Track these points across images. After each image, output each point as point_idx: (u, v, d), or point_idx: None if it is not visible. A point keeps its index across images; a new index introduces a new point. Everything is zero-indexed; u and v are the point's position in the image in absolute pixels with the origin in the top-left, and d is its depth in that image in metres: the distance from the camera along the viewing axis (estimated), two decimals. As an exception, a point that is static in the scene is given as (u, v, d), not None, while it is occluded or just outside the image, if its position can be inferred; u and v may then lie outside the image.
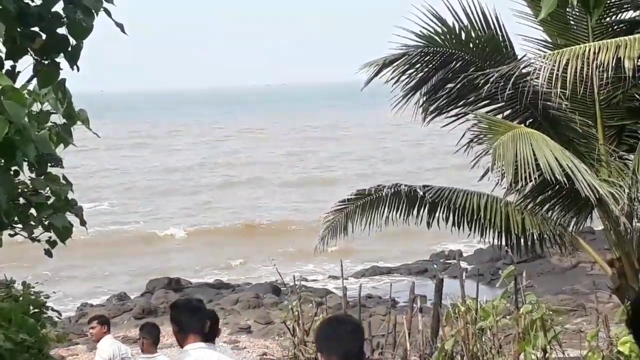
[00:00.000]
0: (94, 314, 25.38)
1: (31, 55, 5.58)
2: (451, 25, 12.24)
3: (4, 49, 5.48)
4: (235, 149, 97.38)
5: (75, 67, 5.52)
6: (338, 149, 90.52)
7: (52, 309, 10.95)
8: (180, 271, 37.25)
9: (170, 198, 64.13)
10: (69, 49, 5.40)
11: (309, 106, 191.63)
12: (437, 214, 12.74)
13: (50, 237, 8.91)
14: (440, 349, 7.72)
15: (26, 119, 4.34)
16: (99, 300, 34.62)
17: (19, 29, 5.44)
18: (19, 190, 9.07)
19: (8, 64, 5.59)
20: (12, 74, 5.64)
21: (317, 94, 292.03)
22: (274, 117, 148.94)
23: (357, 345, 5.10)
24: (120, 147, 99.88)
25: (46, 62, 5.48)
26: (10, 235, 9.35)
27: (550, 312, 7.55)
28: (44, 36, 5.47)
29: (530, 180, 11.48)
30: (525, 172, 10.38)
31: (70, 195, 8.81)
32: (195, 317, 7.78)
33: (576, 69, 10.28)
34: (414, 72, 12.67)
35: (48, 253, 8.88)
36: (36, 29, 5.48)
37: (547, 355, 6.88)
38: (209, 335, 8.00)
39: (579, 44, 10.94)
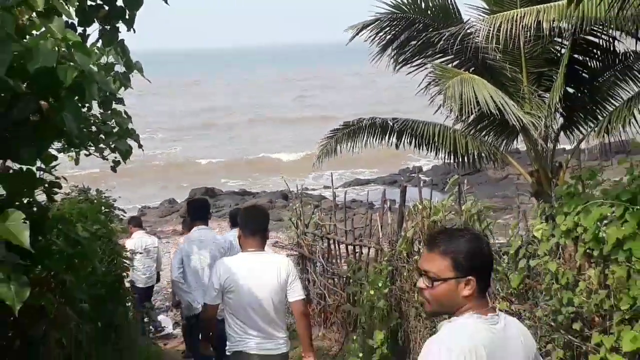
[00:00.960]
0: (149, 214, 26.63)
1: (97, 22, 5.90)
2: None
3: (76, 19, 6.26)
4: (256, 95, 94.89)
5: (132, 29, 5.90)
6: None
7: (119, 209, 11.47)
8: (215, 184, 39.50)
9: (208, 132, 64.88)
10: (126, 16, 6.20)
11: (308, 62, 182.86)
12: (403, 139, 13.21)
13: (115, 157, 9.77)
14: (404, 237, 8.24)
15: (91, 66, 4.58)
16: (154, 204, 37.39)
17: (88, 2, 6.17)
18: (92, 121, 9.80)
19: (80, 30, 5.84)
20: (83, 37, 6.35)
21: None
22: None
23: (262, 226, 6.04)
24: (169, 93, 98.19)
25: (108, 27, 6.23)
26: (86, 155, 10.13)
27: (484, 208, 7.76)
28: (106, 8, 6.29)
29: (472, 113, 11.86)
30: (468, 107, 10.96)
31: (130, 126, 9.59)
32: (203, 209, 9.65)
33: (506, 29, 10.84)
34: (385, 33, 13.16)
35: (113, 169, 9.69)
36: (100, 1, 6.26)
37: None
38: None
39: (510, 10, 11.44)
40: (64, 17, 4.89)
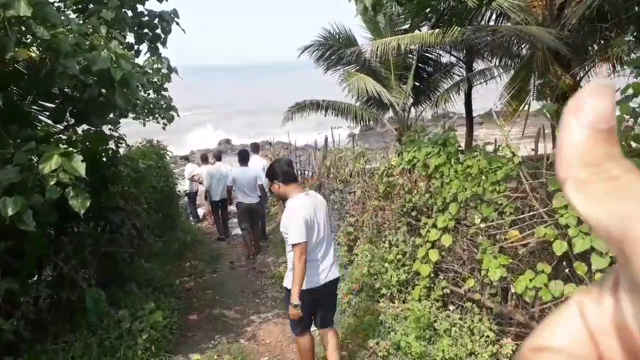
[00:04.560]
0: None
1: (146, 42, 5.85)
2: (331, 31, 12.46)
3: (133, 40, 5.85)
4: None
5: (165, 47, 5.81)
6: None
7: (170, 151, 10.62)
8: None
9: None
10: (161, 39, 5.75)
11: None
12: (329, 111, 12.90)
13: (164, 122, 9.34)
14: (324, 165, 8.05)
15: (130, 67, 4.00)
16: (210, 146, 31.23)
17: (137, 31, 5.75)
18: (150, 101, 9.37)
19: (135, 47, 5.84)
20: (137, 51, 5.95)
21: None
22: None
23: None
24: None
25: (152, 45, 5.80)
26: (148, 121, 9.77)
27: (365, 150, 7.47)
28: (150, 34, 5.83)
29: (364, 97, 12.06)
30: (361, 93, 11.01)
31: (171, 103, 9.22)
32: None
33: (382, 49, 10.67)
34: (317, 51, 12.82)
35: (163, 128, 9.33)
36: (147, 30, 5.82)
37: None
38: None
39: (383, 38, 11.22)
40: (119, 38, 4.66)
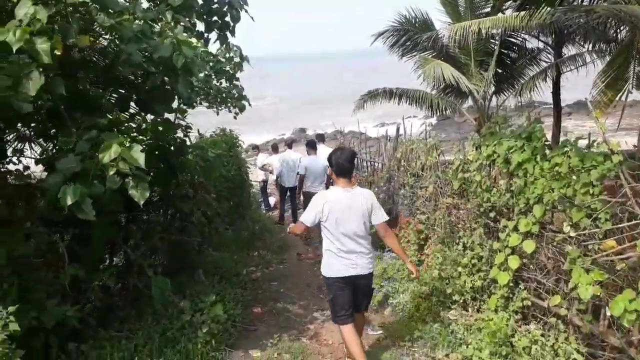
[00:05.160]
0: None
1: (215, 31, 5.40)
2: (407, 16, 11.88)
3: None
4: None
5: (233, 35, 5.53)
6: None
7: (241, 140, 10.63)
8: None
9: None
10: (230, 27, 5.60)
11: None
12: (403, 99, 12.31)
13: (236, 111, 9.34)
14: (395, 157, 7.65)
15: (193, 53, 3.81)
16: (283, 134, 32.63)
17: (208, 19, 5.62)
18: (223, 90, 9.39)
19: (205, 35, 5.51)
20: (206, 40, 5.81)
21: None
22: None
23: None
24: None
25: (221, 33, 5.66)
26: (217, 112, 9.81)
27: (439, 141, 6.72)
28: (219, 21, 5.69)
29: (441, 84, 11.48)
30: (438, 81, 10.45)
31: (243, 93, 9.17)
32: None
33: (461, 34, 10.09)
34: (392, 37, 12.30)
35: (235, 117, 9.34)
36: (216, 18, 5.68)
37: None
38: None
39: (463, 22, 10.56)
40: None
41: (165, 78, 4.14)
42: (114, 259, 5.39)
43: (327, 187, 8.56)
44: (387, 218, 4.19)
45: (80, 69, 3.89)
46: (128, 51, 3.61)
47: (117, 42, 3.69)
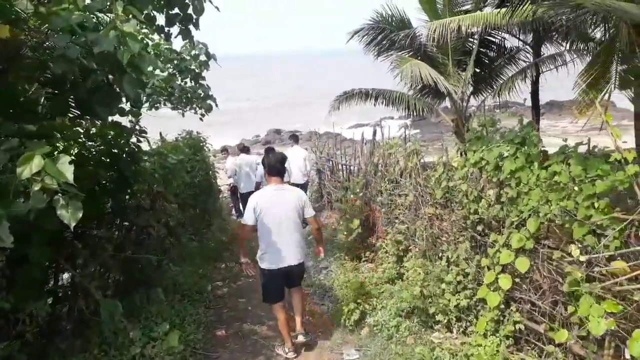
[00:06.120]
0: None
1: (177, 25, 4.96)
2: (384, 14, 11.42)
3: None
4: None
5: (197, 29, 5.04)
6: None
7: (209, 143, 10.30)
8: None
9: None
10: (194, 20, 5.09)
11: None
12: (379, 100, 11.82)
13: (202, 112, 8.76)
14: (372, 161, 7.20)
15: (139, 48, 3.36)
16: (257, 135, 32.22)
17: (168, 11, 5.08)
18: (187, 90, 8.79)
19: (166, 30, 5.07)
20: (167, 34, 5.30)
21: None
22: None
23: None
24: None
25: (184, 27, 5.16)
26: (181, 113, 9.18)
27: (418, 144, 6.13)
28: (181, 14, 5.16)
29: (418, 85, 11.07)
30: (415, 81, 10.03)
31: (209, 92, 8.57)
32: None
33: (439, 32, 9.68)
34: (367, 36, 11.85)
35: (201, 119, 8.76)
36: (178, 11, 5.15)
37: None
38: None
39: (441, 19, 10.16)
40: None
41: (111, 77, 3.58)
42: (59, 281, 4.78)
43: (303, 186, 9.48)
44: (314, 213, 4.78)
45: (3, 64, 3.30)
46: (58, 44, 3.05)
47: (47, 34, 3.13)
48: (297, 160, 10.00)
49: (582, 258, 2.83)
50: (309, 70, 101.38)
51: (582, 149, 3.42)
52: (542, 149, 3.52)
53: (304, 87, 65.10)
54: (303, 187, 9.87)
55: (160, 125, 8.64)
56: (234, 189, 12.49)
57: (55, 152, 2.86)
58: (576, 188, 3.07)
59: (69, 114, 3.78)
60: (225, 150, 12.87)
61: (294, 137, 10.79)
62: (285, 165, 4.89)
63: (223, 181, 12.52)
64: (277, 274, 4.55)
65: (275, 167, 4.61)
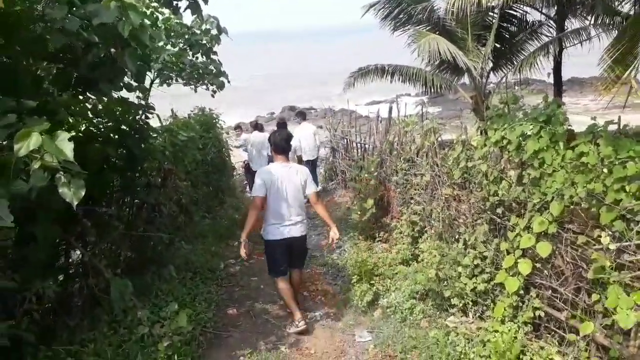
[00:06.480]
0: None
1: None
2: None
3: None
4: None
5: (206, 3, 4.80)
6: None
7: (222, 120, 10.33)
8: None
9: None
10: None
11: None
12: (395, 77, 11.49)
13: (214, 89, 8.58)
14: (387, 139, 7.06)
15: (140, 20, 3.27)
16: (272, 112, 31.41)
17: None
18: (199, 66, 8.61)
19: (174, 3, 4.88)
20: (176, 8, 5.12)
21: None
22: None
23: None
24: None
25: (192, 1, 4.96)
26: (194, 89, 8.98)
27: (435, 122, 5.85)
28: None
29: (436, 60, 10.75)
30: (433, 56, 9.72)
31: (221, 69, 8.38)
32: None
33: (459, 5, 9.34)
34: (384, 9, 11.49)
35: (212, 95, 8.59)
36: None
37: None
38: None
39: None
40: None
41: (113, 50, 3.43)
42: (70, 259, 4.73)
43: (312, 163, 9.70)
44: (317, 189, 5.03)
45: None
46: (53, 15, 2.90)
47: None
48: (308, 136, 9.89)
49: (612, 246, 2.65)
50: (325, 48, 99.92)
51: (612, 127, 3.20)
52: (569, 127, 3.30)
53: (318, 64, 64.21)
54: (313, 163, 10.01)
55: (174, 102, 8.55)
56: (247, 166, 12.40)
57: (58, 130, 2.74)
58: (605, 170, 2.87)
59: (73, 90, 3.66)
60: (239, 127, 12.69)
61: (301, 114, 10.82)
62: (292, 142, 5.10)
63: (237, 159, 12.39)
64: (282, 244, 4.71)
65: (281, 145, 4.83)
